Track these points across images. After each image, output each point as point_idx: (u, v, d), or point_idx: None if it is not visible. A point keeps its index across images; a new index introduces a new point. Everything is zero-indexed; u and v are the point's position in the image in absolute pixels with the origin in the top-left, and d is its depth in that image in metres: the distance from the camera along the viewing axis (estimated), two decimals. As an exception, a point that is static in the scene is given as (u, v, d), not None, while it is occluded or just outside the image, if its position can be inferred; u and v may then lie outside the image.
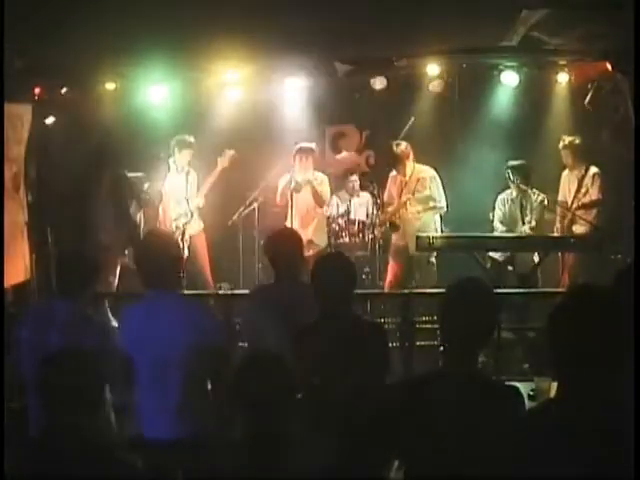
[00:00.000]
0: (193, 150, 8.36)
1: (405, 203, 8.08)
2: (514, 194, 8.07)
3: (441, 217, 8.26)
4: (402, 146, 8.15)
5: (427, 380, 3.24)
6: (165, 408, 3.97)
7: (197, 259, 8.41)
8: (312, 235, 8.31)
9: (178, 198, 8.36)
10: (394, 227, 8.21)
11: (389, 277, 8.36)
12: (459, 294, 3.17)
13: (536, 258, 7.93)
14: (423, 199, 8.10)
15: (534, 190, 7.97)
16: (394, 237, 8.37)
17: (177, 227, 8.26)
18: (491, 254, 8.02)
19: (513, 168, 7.96)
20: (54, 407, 2.93)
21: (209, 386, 4.07)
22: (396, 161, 8.14)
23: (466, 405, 3.00)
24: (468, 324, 3.08)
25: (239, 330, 4.65)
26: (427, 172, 8.14)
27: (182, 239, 8.10)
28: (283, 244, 4.68)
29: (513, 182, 7.96)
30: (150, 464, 3.72)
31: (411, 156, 8.14)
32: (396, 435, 3.21)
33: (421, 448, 3.07)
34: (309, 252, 8.15)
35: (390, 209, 8.26)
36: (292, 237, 4.81)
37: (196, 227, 8.48)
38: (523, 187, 7.93)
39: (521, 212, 8.06)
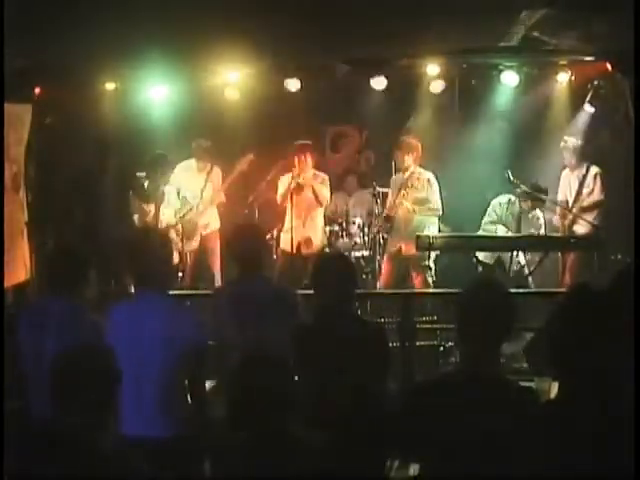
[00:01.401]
0: (212, 153, 8.44)
1: (402, 197, 8.02)
2: (515, 202, 8.03)
3: (439, 221, 8.20)
4: (411, 139, 8.13)
5: (442, 380, 3.23)
6: (144, 408, 3.97)
7: (209, 256, 8.45)
8: (311, 233, 8.31)
9: (194, 195, 8.40)
10: (389, 219, 8.14)
11: (384, 277, 8.34)
12: (477, 295, 3.15)
13: (522, 260, 7.95)
14: (419, 200, 8.06)
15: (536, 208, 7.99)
16: (389, 241, 8.30)
17: (189, 223, 8.31)
18: (481, 258, 8.01)
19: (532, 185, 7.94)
20: (54, 406, 2.93)
21: (189, 386, 4.09)
22: (400, 152, 8.08)
23: (481, 405, 2.98)
24: (486, 325, 3.06)
25: (209, 328, 4.64)
26: (425, 174, 8.09)
27: (193, 235, 8.25)
28: (248, 241, 4.69)
29: (525, 192, 7.91)
30: (134, 462, 3.72)
31: (416, 153, 8.07)
32: (406, 435, 3.20)
33: (435, 448, 3.05)
34: (307, 250, 8.19)
35: (388, 205, 8.23)
36: (256, 233, 4.84)
37: (213, 225, 8.52)
38: (527, 195, 7.91)
39: (518, 222, 8.04)
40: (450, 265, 7.86)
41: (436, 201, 8.03)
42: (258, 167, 8.69)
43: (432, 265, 8.08)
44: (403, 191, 8.02)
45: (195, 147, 8.45)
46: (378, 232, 8.39)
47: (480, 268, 7.90)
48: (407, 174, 8.06)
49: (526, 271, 7.96)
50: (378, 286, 8.28)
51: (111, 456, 2.87)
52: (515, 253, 7.87)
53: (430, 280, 8.05)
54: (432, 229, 8.04)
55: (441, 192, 8.06)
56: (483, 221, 8.15)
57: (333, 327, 3.98)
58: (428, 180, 8.02)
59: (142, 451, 3.82)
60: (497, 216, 8.11)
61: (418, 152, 8.07)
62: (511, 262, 7.86)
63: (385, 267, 8.30)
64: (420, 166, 8.10)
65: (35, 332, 4.17)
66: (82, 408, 2.88)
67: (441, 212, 8.09)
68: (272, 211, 8.81)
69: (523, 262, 7.98)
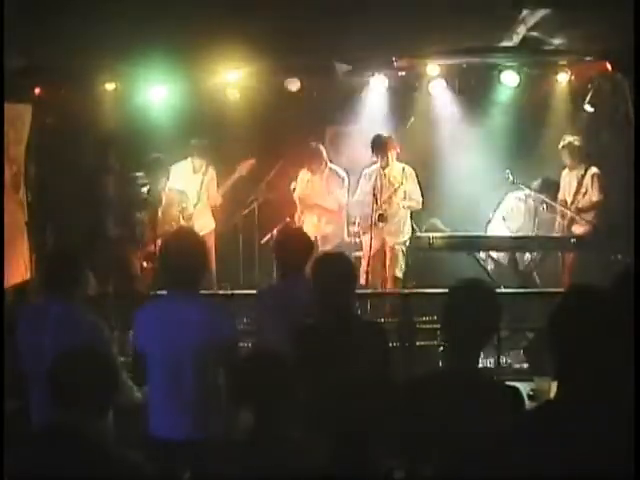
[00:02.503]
0: (209, 154, 8.42)
1: (391, 196, 8.04)
2: (529, 198, 8.04)
3: (411, 214, 8.23)
4: (390, 138, 8.13)
5: (428, 379, 3.24)
6: (179, 407, 3.96)
7: None
8: (329, 230, 8.34)
9: (191, 197, 8.39)
10: (383, 218, 8.13)
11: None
12: (460, 294, 3.17)
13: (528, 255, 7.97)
14: (408, 194, 8.08)
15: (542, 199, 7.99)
16: (375, 243, 8.13)
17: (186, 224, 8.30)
18: (492, 255, 8.02)
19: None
20: (53, 406, 2.93)
21: (223, 386, 4.08)
22: (382, 151, 8.07)
23: (466, 404, 3.00)
24: (469, 324, 3.08)
25: (249, 329, 4.64)
26: (402, 167, 8.12)
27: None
28: (296, 244, 4.73)
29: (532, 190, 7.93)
30: (162, 463, 3.72)
31: (395, 150, 8.09)
32: (397, 434, 3.21)
33: (421, 447, 3.07)
34: (325, 247, 8.21)
35: (377, 203, 8.16)
36: (304, 238, 4.87)
37: (208, 226, 8.51)
38: (530, 191, 7.93)
39: (533, 217, 8.04)
40: (452, 263, 7.87)
41: (417, 192, 8.09)
42: (258, 167, 8.69)
43: (405, 250, 8.11)
44: (391, 190, 8.03)
45: (193, 146, 8.42)
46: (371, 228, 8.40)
47: (491, 266, 7.92)
48: (387, 169, 8.08)
49: (534, 269, 7.97)
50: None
51: (111, 456, 2.87)
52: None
53: (402, 264, 8.07)
54: (408, 220, 8.14)
55: (419, 182, 8.12)
56: (495, 214, 8.15)
57: (333, 327, 3.98)
58: (404, 173, 8.06)
59: (174, 452, 3.84)
60: (508, 211, 8.12)
61: (397, 148, 8.12)
62: (531, 259, 7.88)
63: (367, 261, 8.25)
64: (409, 160, 8.18)
65: (35, 332, 4.16)
66: (82, 408, 2.88)
67: (420, 204, 8.11)
68: (272, 211, 8.81)
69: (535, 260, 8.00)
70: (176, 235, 4.65)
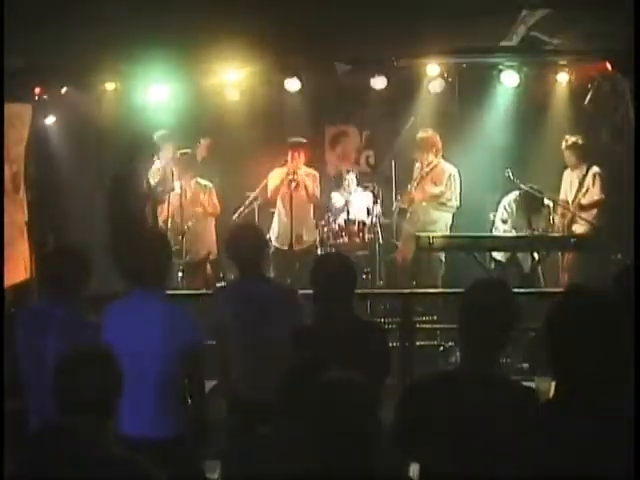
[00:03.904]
0: (175, 143, 8.33)
1: (417, 190, 8.11)
2: (523, 198, 8.05)
3: (453, 217, 8.31)
4: (427, 134, 8.25)
5: (443, 379, 3.23)
6: (141, 408, 3.96)
7: None
8: (302, 231, 8.38)
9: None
10: (403, 213, 8.23)
11: (402, 252, 8.49)
12: (478, 294, 3.15)
13: (535, 255, 7.94)
14: (436, 194, 8.14)
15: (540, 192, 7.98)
16: (406, 225, 8.44)
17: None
18: (494, 254, 8.02)
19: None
20: (56, 407, 2.93)
21: (188, 387, 4.09)
22: (418, 148, 8.23)
23: (482, 404, 2.98)
24: (487, 324, 3.06)
25: (208, 329, 4.60)
26: (447, 168, 8.22)
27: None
28: (247, 241, 4.67)
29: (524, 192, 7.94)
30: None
31: (435, 148, 8.21)
32: (408, 434, 3.20)
33: (435, 447, 3.05)
34: (298, 247, 8.24)
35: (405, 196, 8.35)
36: (256, 234, 4.81)
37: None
38: (525, 188, 7.93)
39: (528, 215, 8.04)
40: (455, 263, 7.89)
41: (452, 195, 8.17)
42: (258, 167, 8.69)
43: (444, 259, 8.22)
44: (419, 185, 8.14)
45: (159, 138, 8.21)
46: (380, 230, 8.46)
47: (493, 266, 7.93)
48: (429, 167, 8.19)
49: (539, 269, 7.97)
50: (381, 285, 8.36)
51: (112, 457, 2.87)
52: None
53: (440, 272, 8.17)
54: (446, 223, 8.20)
55: (461, 188, 8.19)
56: (495, 219, 8.18)
57: (333, 327, 3.98)
58: (447, 175, 8.16)
59: (141, 451, 3.84)
60: (507, 213, 8.12)
61: (438, 145, 8.20)
62: (534, 259, 7.87)
63: (403, 246, 8.43)
64: (443, 157, 8.27)
65: (37, 334, 4.15)
66: (83, 409, 2.88)
67: (455, 208, 8.20)
68: (270, 210, 8.81)
69: (535, 256, 7.99)
70: (143, 235, 4.67)
